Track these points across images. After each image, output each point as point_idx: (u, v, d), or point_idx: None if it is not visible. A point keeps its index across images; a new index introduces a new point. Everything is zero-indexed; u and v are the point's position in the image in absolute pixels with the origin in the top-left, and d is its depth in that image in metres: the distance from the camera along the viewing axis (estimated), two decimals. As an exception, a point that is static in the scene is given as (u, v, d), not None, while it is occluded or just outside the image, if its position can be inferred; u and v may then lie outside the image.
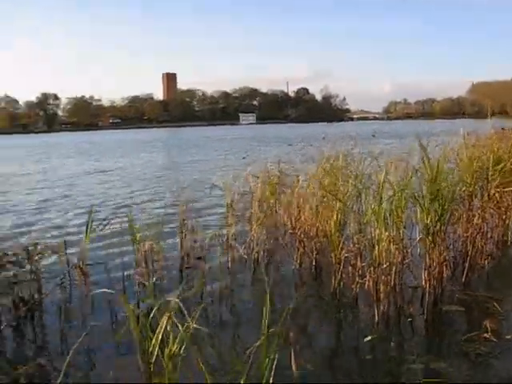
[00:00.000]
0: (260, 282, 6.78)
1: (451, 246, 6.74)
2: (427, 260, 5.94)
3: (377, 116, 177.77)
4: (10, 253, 5.88)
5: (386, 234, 5.76)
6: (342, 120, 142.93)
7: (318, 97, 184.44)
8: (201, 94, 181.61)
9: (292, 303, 5.55)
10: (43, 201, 15.08)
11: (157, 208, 12.19)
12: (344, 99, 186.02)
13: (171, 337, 3.33)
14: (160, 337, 3.34)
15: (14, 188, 18.70)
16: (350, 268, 6.27)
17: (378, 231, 5.82)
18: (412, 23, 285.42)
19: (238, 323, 5.60)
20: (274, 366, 3.40)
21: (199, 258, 7.33)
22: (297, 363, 3.80)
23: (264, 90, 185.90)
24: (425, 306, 5.70)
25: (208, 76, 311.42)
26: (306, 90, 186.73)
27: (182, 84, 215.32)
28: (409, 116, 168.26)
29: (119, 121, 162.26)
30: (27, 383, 4.26)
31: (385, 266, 5.73)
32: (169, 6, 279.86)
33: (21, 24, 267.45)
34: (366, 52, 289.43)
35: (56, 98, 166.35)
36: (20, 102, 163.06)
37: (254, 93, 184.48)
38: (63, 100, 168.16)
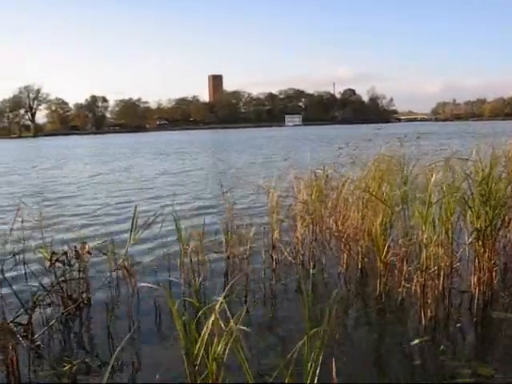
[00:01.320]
0: (304, 285, 6.76)
1: (502, 251, 6.58)
2: (477, 264, 5.82)
3: (425, 117, 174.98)
4: (60, 252, 6.02)
5: (434, 237, 5.67)
6: (389, 121, 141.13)
7: (365, 98, 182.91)
8: (246, 95, 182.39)
9: (337, 306, 5.50)
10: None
11: (202, 208, 12.29)
12: (391, 100, 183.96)
13: (216, 338, 3.35)
14: (205, 338, 3.37)
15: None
16: (396, 272, 6.20)
17: (425, 235, 5.72)
18: (462, 23, 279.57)
19: (282, 325, 5.58)
20: (317, 369, 3.39)
21: (244, 259, 7.36)
22: (340, 366, 3.76)
23: (310, 91, 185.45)
24: (474, 311, 5.59)
25: (254, 78, 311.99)
26: (352, 91, 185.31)
27: (228, 86, 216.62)
28: (458, 117, 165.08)
29: (166, 122, 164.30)
30: (73, 380, 4.34)
31: (432, 269, 5.63)
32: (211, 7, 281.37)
33: (70, 29, 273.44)
34: (414, 52, 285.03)
35: (104, 100, 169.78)
36: (70, 105, 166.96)
37: (299, 94, 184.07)
38: (111, 102, 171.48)
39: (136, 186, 18.78)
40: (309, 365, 3.37)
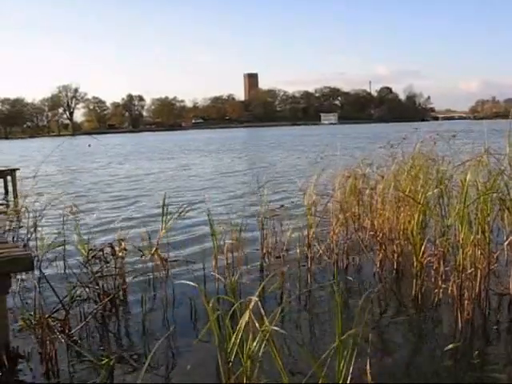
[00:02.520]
0: (339, 284, 6.73)
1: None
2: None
3: (463, 115, 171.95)
4: (96, 248, 6.12)
5: (471, 237, 5.57)
6: (426, 119, 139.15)
7: (402, 96, 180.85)
8: (282, 93, 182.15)
9: (371, 306, 5.47)
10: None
11: (238, 205, 12.34)
12: (428, 98, 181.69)
13: (250, 336, 3.37)
14: (240, 335, 3.38)
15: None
16: (432, 272, 6.11)
17: (462, 235, 5.63)
18: (501, 21, 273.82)
19: (316, 324, 5.58)
20: (350, 370, 3.37)
21: (279, 257, 7.37)
22: (373, 366, 3.74)
23: (346, 89, 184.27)
24: (512, 315, 5.48)
25: (290, 76, 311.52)
26: (389, 90, 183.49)
27: (264, 84, 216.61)
28: (497, 115, 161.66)
29: (201, 121, 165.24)
30: (110, 374, 4.40)
31: (469, 271, 5.54)
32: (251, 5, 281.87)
33: (108, 28, 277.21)
34: (453, 50, 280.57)
35: (141, 99, 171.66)
36: (107, 103, 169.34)
37: (335, 92, 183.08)
38: (148, 101, 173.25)
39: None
40: (341, 364, 3.35)
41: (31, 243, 8.50)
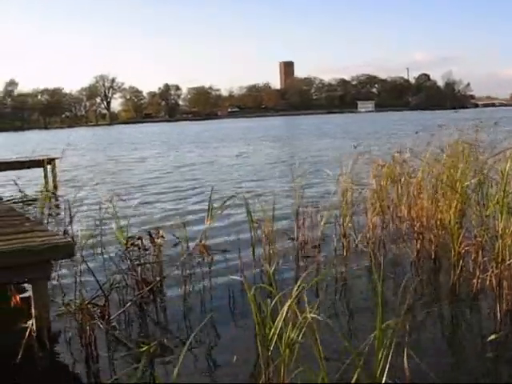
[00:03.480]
0: (376, 274, 6.70)
1: None
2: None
3: (503, 102, 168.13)
4: (135, 236, 6.23)
5: (511, 227, 5.47)
6: (465, 107, 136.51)
7: (440, 83, 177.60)
8: (318, 81, 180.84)
9: (408, 297, 5.42)
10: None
11: (274, 194, 12.33)
12: (468, 85, 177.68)
13: (290, 324, 3.39)
14: (280, 324, 3.41)
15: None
16: (470, 262, 6.04)
17: (501, 224, 5.54)
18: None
19: (353, 314, 5.57)
20: (388, 359, 3.37)
21: (315, 247, 7.37)
22: (411, 357, 3.71)
23: (383, 76, 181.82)
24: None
25: (326, 64, 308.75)
26: (427, 76, 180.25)
27: (300, 72, 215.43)
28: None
29: (237, 110, 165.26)
30: (150, 361, 4.48)
31: (509, 262, 5.44)
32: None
33: (145, 18, 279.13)
34: (493, 36, 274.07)
35: (177, 88, 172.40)
36: (144, 93, 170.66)
37: (372, 80, 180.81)
38: (184, 90, 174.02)
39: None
40: (380, 354, 3.35)
41: (70, 231, 8.68)
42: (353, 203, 7.76)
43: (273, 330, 3.49)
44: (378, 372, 3.38)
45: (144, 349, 4.49)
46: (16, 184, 11.27)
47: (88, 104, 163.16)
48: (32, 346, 4.76)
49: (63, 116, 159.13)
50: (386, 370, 3.41)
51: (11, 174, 18.53)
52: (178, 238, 6.91)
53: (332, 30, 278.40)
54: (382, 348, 3.36)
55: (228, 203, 6.88)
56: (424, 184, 7.60)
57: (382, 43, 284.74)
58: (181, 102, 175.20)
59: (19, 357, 4.43)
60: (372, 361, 3.46)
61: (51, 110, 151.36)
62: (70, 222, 8.82)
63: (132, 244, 6.03)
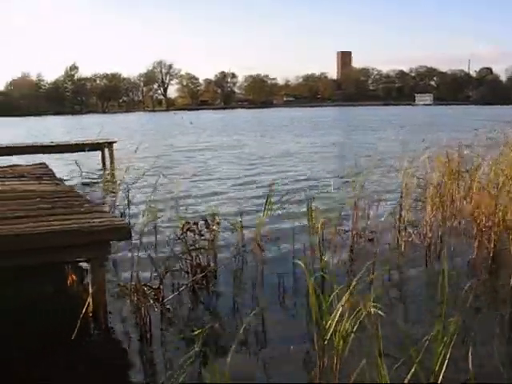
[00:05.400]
0: (432, 269, 6.58)
1: None
2: None
3: None
4: (191, 221, 6.27)
5: None
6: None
7: (503, 77, 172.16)
8: (376, 72, 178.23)
9: (465, 295, 5.28)
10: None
11: (331, 186, 12.23)
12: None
13: (346, 316, 3.36)
14: (337, 315, 3.38)
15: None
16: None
17: None
18: None
19: (408, 308, 5.47)
20: (447, 356, 3.29)
21: (371, 240, 7.28)
22: (472, 360, 3.60)
23: (443, 69, 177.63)
24: None
25: (384, 55, 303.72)
26: (489, 70, 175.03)
27: (357, 62, 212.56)
28: None
29: (292, 99, 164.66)
30: (201, 345, 4.51)
31: None
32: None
33: (200, 9, 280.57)
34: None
35: (233, 76, 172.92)
36: (200, 80, 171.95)
37: (431, 72, 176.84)
38: (240, 78, 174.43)
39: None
40: (440, 351, 3.27)
41: (127, 213, 8.83)
42: (412, 197, 7.61)
43: (329, 321, 3.45)
44: (437, 368, 3.30)
45: (196, 332, 4.54)
46: (78, 166, 11.55)
47: (145, 89, 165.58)
48: (88, 324, 4.87)
49: (120, 101, 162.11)
50: (445, 366, 3.33)
51: (71, 156, 19.09)
52: (233, 225, 6.92)
53: (393, 20, 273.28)
54: (441, 344, 3.28)
55: (285, 198, 6.87)
56: (486, 180, 7.38)
57: (442, 35, 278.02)
58: (236, 90, 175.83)
59: (75, 333, 4.53)
60: (429, 357, 3.39)
61: (109, 95, 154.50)
62: (127, 205, 8.97)
63: (188, 229, 6.08)
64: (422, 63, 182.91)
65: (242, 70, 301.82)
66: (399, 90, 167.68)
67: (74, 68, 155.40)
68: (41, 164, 11.76)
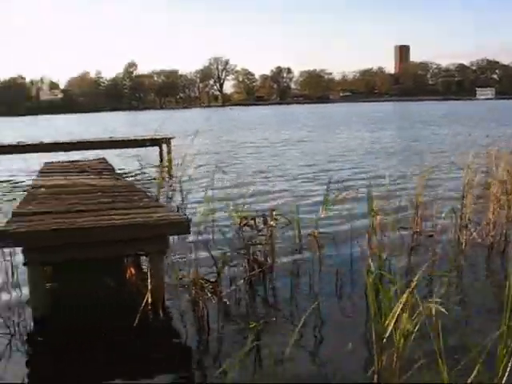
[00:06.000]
0: (494, 269, 6.40)
1: None
2: None
3: None
4: (249, 216, 6.30)
5: None
6: None
7: None
8: (434, 66, 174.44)
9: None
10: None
11: (392, 181, 12.07)
12: None
13: (406, 313, 3.29)
14: (397, 313, 3.32)
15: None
16: None
17: None
18: None
19: (469, 308, 5.30)
20: (510, 363, 3.19)
21: (430, 236, 7.13)
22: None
23: (506, 61, 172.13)
24: None
25: (443, 48, 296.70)
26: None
27: (415, 56, 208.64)
28: None
29: (349, 94, 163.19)
30: (257, 338, 4.51)
31: None
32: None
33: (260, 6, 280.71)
34: None
35: (289, 71, 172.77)
36: (256, 76, 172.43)
37: (493, 65, 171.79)
38: (296, 73, 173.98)
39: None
40: (503, 352, 3.17)
41: (184, 208, 8.92)
42: (474, 194, 7.40)
43: (389, 319, 3.39)
44: (500, 373, 3.20)
45: (252, 326, 4.55)
46: (138, 161, 11.79)
47: (201, 85, 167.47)
48: (147, 315, 4.96)
49: (177, 97, 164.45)
50: (508, 370, 3.23)
51: (130, 152, 19.49)
52: (290, 221, 6.90)
53: (453, 12, 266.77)
54: (505, 348, 3.18)
55: (344, 194, 6.80)
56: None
57: (506, 27, 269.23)
58: (292, 85, 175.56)
59: (135, 324, 4.62)
60: (491, 360, 3.29)
61: (166, 91, 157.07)
62: (185, 200, 9.08)
63: (245, 224, 6.11)
64: (483, 56, 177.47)
65: (298, 65, 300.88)
66: (459, 84, 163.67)
67: (132, 65, 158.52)
68: (101, 159, 12.06)
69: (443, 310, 3.45)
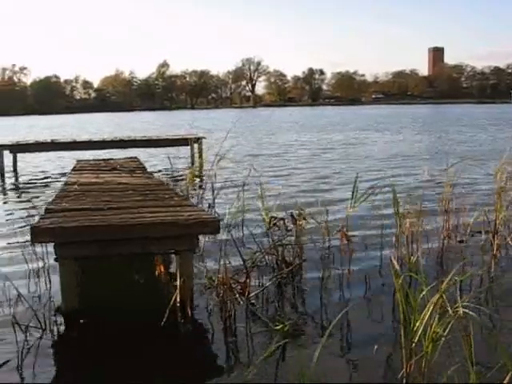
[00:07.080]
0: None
1: None
2: None
3: None
4: (278, 217, 6.29)
5: None
6: None
7: None
8: (469, 69, 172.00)
9: None
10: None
11: (420, 184, 11.94)
12: None
13: (436, 318, 3.25)
14: (426, 316, 3.28)
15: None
16: None
17: None
18: None
19: (501, 314, 5.21)
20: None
21: (461, 242, 7.02)
22: None
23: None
24: None
25: (478, 50, 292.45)
26: None
27: (449, 59, 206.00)
28: None
29: (381, 96, 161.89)
30: (285, 339, 4.49)
31: None
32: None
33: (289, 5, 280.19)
34: None
35: (321, 73, 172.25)
36: (288, 77, 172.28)
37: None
38: (328, 75, 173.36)
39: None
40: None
41: (214, 208, 8.96)
42: (507, 199, 7.27)
43: (418, 324, 3.35)
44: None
45: (279, 327, 4.53)
46: (169, 160, 11.88)
47: (233, 86, 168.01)
48: (175, 314, 4.98)
49: (209, 97, 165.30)
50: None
51: (161, 151, 19.63)
52: (319, 222, 6.87)
53: (489, 14, 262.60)
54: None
55: (370, 192, 6.74)
56: None
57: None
58: (324, 87, 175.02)
59: (163, 321, 4.65)
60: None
61: (198, 91, 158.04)
62: (215, 199, 9.11)
63: (274, 224, 6.10)
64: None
65: (330, 65, 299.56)
66: (494, 87, 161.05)
67: (164, 65, 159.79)
68: (133, 158, 12.18)
69: (473, 314, 3.39)
